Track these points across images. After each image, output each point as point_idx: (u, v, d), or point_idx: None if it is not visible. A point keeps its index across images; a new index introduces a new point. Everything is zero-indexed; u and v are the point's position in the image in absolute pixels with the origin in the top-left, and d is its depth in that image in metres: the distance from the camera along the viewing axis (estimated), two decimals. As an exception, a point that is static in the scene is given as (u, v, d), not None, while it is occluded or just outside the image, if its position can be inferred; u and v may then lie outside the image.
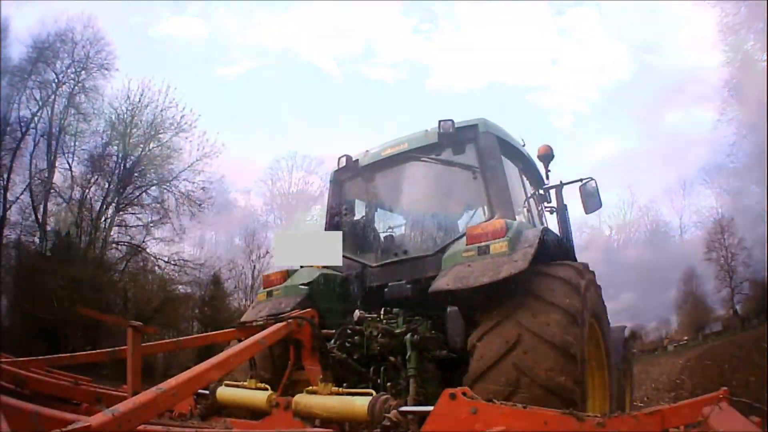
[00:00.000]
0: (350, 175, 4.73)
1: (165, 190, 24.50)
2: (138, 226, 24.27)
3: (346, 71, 51.29)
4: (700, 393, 1.98)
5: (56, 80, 22.26)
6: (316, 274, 4.18)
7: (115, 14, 41.02)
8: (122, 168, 23.72)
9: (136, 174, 24.05)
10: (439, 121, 4.17)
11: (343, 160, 4.68)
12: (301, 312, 2.92)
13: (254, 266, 30.84)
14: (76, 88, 22.84)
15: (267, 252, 30.88)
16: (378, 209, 4.82)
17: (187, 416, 2.98)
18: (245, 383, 2.92)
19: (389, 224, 4.73)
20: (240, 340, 2.73)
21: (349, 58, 53.14)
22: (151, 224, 24.37)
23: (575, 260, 4.01)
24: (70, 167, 22.57)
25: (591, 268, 3.54)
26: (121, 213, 23.80)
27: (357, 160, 4.66)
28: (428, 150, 4.28)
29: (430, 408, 2.12)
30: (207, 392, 3.02)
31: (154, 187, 24.59)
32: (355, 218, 4.72)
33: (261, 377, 3.00)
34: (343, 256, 4.39)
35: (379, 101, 51.83)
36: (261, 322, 2.92)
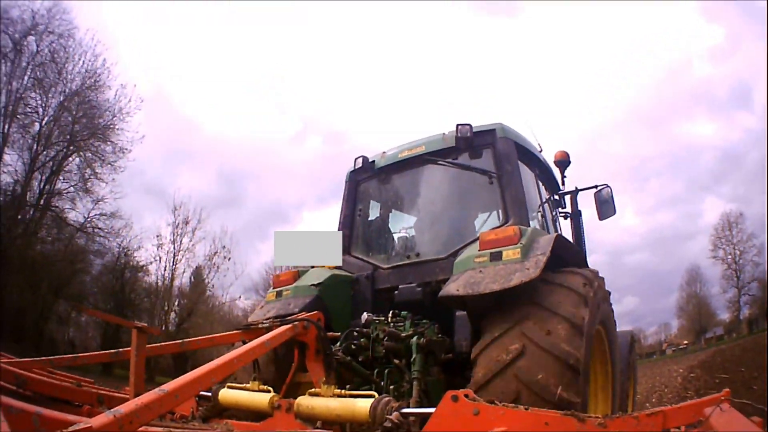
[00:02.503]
0: (366, 176, 4.74)
1: (82, 153, 23.57)
2: (57, 193, 23.50)
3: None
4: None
5: (14, 49, 21.64)
6: (327, 274, 4.17)
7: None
8: (42, 127, 22.82)
9: (56, 134, 23.10)
10: (457, 125, 4.17)
11: (360, 161, 4.70)
12: (307, 314, 2.92)
13: (179, 239, 30.57)
14: (38, 57, 22.38)
15: (187, 223, 30.76)
16: (393, 211, 4.83)
17: (188, 418, 2.99)
18: (248, 385, 2.93)
19: (403, 226, 4.72)
20: (244, 342, 2.74)
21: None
22: (73, 191, 23.58)
23: (587, 266, 4.00)
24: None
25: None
26: (36, 173, 22.83)
27: (373, 161, 4.68)
28: (445, 153, 4.29)
29: (432, 410, 2.13)
30: (209, 394, 3.04)
31: (77, 155, 23.59)
32: (370, 219, 4.74)
33: (264, 379, 3.01)
34: (355, 257, 4.40)
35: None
36: (266, 324, 2.92)
